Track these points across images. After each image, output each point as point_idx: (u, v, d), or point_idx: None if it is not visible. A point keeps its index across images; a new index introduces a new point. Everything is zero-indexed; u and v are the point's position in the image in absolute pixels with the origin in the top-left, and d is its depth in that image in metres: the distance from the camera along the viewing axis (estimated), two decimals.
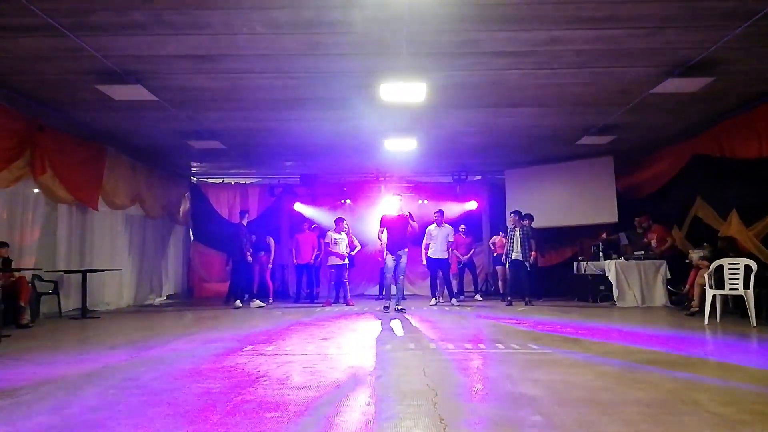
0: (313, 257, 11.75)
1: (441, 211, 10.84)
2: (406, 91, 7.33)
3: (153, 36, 5.87)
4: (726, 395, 3.29)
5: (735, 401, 3.13)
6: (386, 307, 9.26)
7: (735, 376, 3.89)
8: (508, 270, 10.79)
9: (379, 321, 7.86)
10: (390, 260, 9.30)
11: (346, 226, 11.23)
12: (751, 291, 6.83)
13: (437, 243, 10.44)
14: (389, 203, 10.08)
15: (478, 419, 2.83)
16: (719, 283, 7.24)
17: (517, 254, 10.42)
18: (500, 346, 5.33)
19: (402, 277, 9.39)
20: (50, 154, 8.21)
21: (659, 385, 3.57)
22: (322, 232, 11.99)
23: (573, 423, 2.75)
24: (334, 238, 10.92)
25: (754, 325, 6.68)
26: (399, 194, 9.76)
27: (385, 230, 9.44)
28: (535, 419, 2.82)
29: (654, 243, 10.26)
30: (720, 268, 7.26)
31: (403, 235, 9.39)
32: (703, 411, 2.94)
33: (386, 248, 9.38)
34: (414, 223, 9.54)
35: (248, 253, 10.61)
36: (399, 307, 9.17)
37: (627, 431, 2.61)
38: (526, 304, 10.10)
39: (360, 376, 4.01)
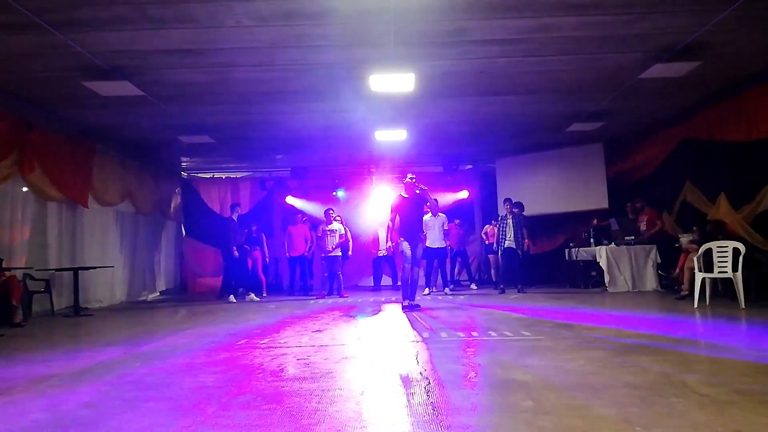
0: (307, 249, 11.76)
1: (435, 200, 10.87)
2: (394, 81, 7.32)
3: (138, 31, 5.84)
4: (714, 376, 3.34)
5: (722, 382, 3.18)
6: (413, 305, 7.83)
7: (723, 358, 3.95)
8: (500, 258, 10.83)
9: (373, 312, 7.89)
10: (407, 248, 7.97)
11: (337, 217, 11.22)
12: (739, 274, 6.90)
13: (434, 232, 10.48)
14: (401, 186, 8.57)
15: (470, 405, 2.87)
16: (708, 266, 7.31)
17: (510, 242, 10.46)
18: (493, 333, 5.37)
19: (417, 268, 8.12)
20: (39, 153, 8.15)
21: (649, 368, 3.62)
22: (314, 224, 11.99)
23: (563, 407, 2.79)
24: (324, 230, 10.93)
25: (743, 307, 6.76)
26: (411, 174, 8.28)
27: (397, 216, 8.15)
28: (527, 404, 2.85)
29: (643, 226, 10.34)
30: (709, 251, 7.33)
31: (420, 218, 8.28)
32: (691, 392, 2.99)
33: (401, 235, 8.02)
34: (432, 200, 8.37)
35: (234, 248, 10.59)
36: (414, 303, 7.89)
37: (616, 413, 2.65)
38: (518, 291, 10.16)
39: (354, 366, 4.03)
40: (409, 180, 8.15)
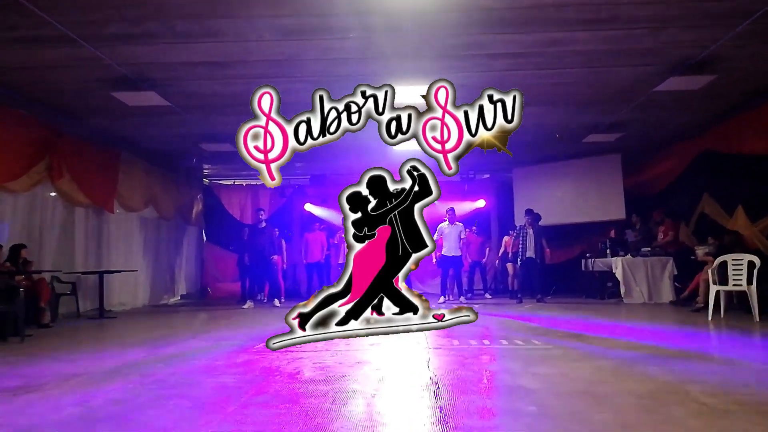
0: (323, 257, 11.94)
1: (452, 209, 10.97)
2: (412, 93, 7.45)
3: (166, 45, 6.09)
4: (717, 387, 3.41)
5: (724, 392, 3.26)
6: None
7: (730, 369, 4.01)
8: (519, 268, 10.86)
9: None
10: None
11: None
12: (754, 287, 6.90)
13: (450, 241, 10.58)
14: None
15: (476, 409, 2.99)
16: (723, 279, 7.31)
17: (531, 253, 10.51)
18: (504, 342, 5.47)
19: None
20: (68, 160, 8.45)
21: (654, 377, 3.71)
22: (331, 231, 12.15)
23: (565, 413, 2.91)
24: (341, 237, 11.08)
25: (758, 320, 6.76)
26: None
27: None
28: (531, 409, 2.97)
29: (660, 235, 10.38)
30: (724, 264, 7.34)
31: None
32: (691, 401, 3.08)
33: None
34: None
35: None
36: None
37: (614, 419, 2.76)
38: (537, 301, 10.21)
39: (367, 370, 4.18)
40: None
